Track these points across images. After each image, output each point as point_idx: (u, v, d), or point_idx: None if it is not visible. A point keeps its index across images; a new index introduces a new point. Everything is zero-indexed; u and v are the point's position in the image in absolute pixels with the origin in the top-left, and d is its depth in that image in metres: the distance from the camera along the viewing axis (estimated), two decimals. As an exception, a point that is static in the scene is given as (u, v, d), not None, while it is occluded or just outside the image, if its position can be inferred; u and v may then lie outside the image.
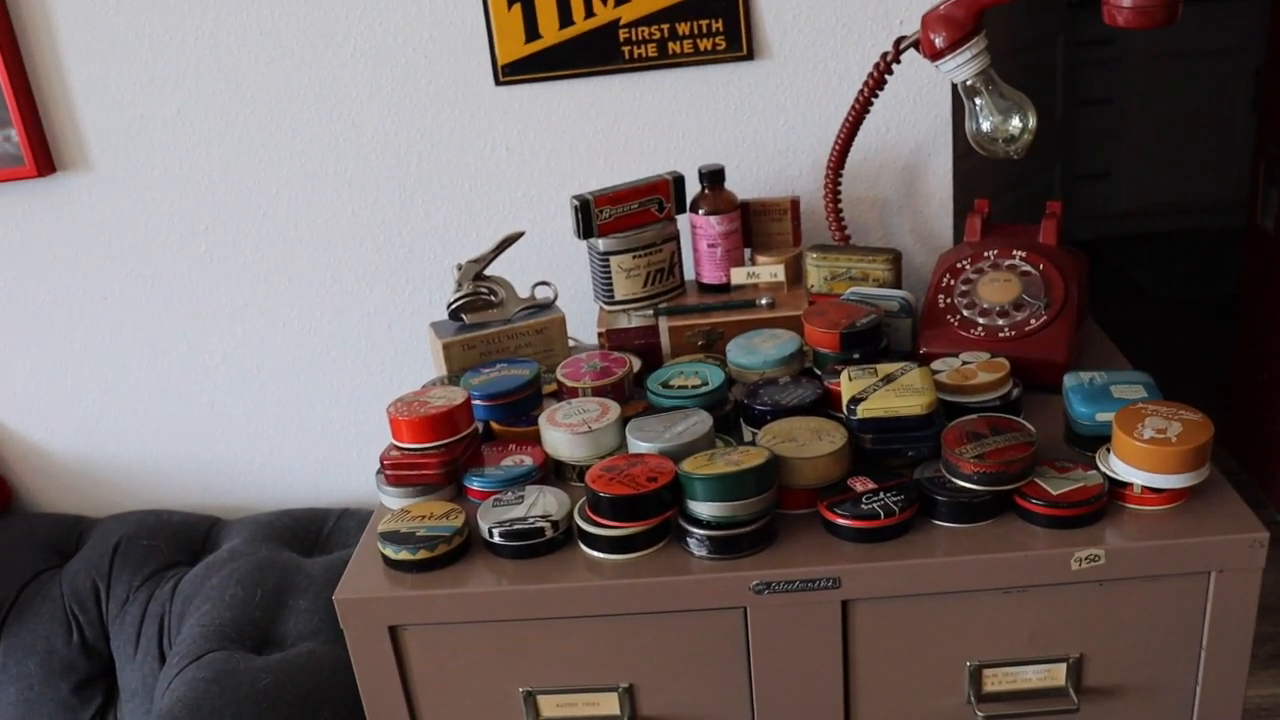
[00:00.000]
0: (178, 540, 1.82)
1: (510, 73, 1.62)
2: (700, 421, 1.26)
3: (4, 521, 1.90)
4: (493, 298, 1.52)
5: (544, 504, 1.22)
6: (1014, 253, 1.47)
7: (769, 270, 1.55)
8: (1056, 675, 1.19)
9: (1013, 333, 1.41)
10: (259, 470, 1.91)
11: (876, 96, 1.51)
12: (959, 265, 1.47)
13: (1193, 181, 4.70)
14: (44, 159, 1.71)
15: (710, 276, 1.58)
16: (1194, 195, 4.72)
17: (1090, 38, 4.32)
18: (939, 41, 1.40)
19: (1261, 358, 3.06)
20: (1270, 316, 2.99)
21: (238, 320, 1.81)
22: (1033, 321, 1.41)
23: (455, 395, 1.32)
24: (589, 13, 1.58)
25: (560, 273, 1.64)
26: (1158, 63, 4.54)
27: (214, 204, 1.73)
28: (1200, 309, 4.32)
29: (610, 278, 1.53)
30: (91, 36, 1.64)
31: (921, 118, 1.62)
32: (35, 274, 1.80)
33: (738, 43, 1.58)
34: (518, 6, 1.58)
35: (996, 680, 1.20)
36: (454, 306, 1.52)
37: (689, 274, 1.61)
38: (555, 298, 1.55)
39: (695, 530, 1.15)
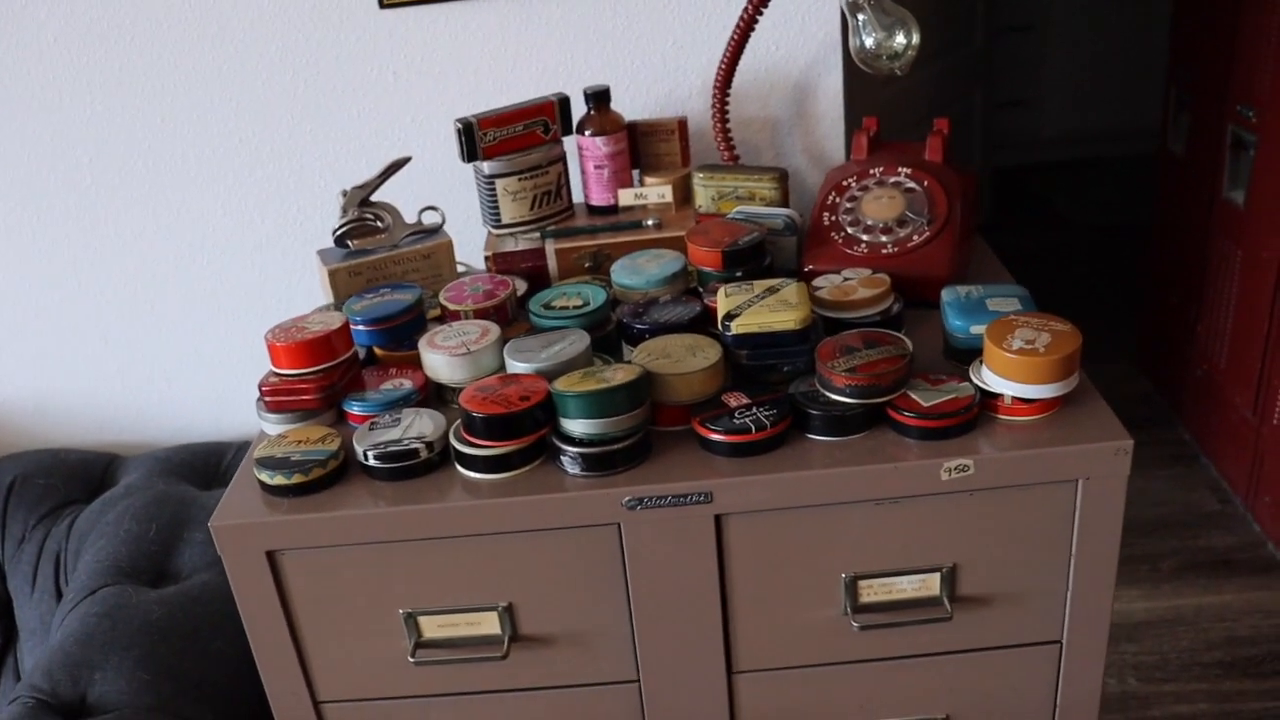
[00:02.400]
0: (75, 479, 1.80)
1: (394, -6, 1.59)
2: (577, 340, 1.26)
3: (-105, 464, 1.87)
4: (379, 224, 1.50)
5: (420, 426, 1.21)
6: (899, 170, 1.47)
7: (656, 191, 1.54)
8: (931, 585, 1.21)
9: (895, 249, 1.41)
10: (157, 406, 1.89)
11: (761, 14, 1.50)
12: (844, 183, 1.47)
13: (1114, 108, 4.73)
14: (-85, 89, 1.66)
15: (598, 198, 1.57)
16: (1115, 122, 4.75)
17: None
18: (819, -44, 1.39)
19: (1172, 280, 3.11)
20: (1180, 239, 3.03)
21: (128, 253, 1.77)
22: (915, 238, 1.41)
23: (333, 320, 1.31)
24: (471, -69, 1.55)
25: (451, 198, 1.62)
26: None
27: (97, 135, 1.69)
28: (1119, 234, 4.37)
29: (496, 201, 1.52)
30: (-41, -39, 1.59)
31: (810, 36, 1.61)
32: (-85, 210, 1.76)
33: (623, -39, 1.56)
34: (398, -75, 1.55)
35: (872, 591, 1.21)
36: (339, 233, 1.50)
37: (578, 197, 1.60)
38: (443, 223, 1.53)
39: (568, 448, 1.16)
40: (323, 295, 1.53)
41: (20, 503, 1.75)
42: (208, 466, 1.79)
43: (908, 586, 1.21)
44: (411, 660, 1.22)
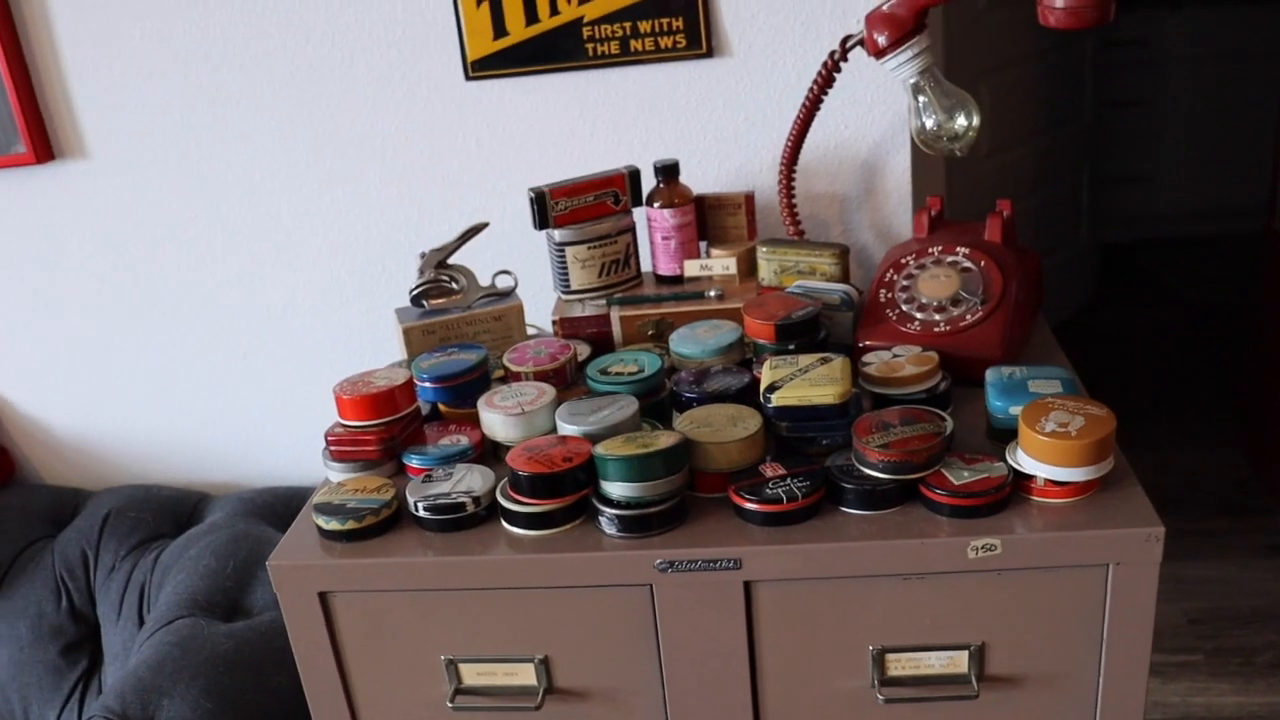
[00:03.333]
0: (165, 514, 1.90)
1: (479, 69, 1.67)
2: (625, 406, 1.31)
3: (6, 492, 1.99)
4: (454, 285, 1.58)
5: (469, 481, 1.27)
6: (957, 249, 1.49)
7: (721, 263, 1.59)
8: (959, 662, 1.22)
9: (948, 327, 1.43)
10: (246, 449, 1.99)
11: (826, 94, 1.54)
12: (903, 260, 1.50)
13: (1228, 184, 4.64)
14: (43, 146, 1.80)
15: (665, 268, 1.62)
16: (1229, 199, 4.65)
17: (1122, 38, 4.28)
18: (882, 40, 1.43)
19: (1277, 363, 3.03)
20: (1286, 322, 2.96)
21: (225, 304, 1.88)
22: (968, 317, 1.43)
23: (398, 376, 1.38)
24: (554, 11, 1.62)
25: (527, 263, 1.69)
26: (1193, 65, 4.49)
27: (203, 192, 1.81)
28: (1229, 314, 4.27)
29: (566, 268, 1.58)
30: (87, 30, 1.73)
31: (879, 116, 1.64)
32: (35, 256, 1.89)
33: (698, 41, 1.62)
34: (485, 4, 1.63)
35: (900, 665, 1.22)
36: (415, 293, 1.57)
37: (646, 266, 1.66)
38: (515, 286, 1.60)
39: (606, 509, 1.20)
40: (399, 351, 1.60)
41: (113, 534, 1.86)
42: (288, 509, 1.88)
43: (936, 662, 1.22)
44: (450, 706, 1.27)
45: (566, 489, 1.21)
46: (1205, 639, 2.67)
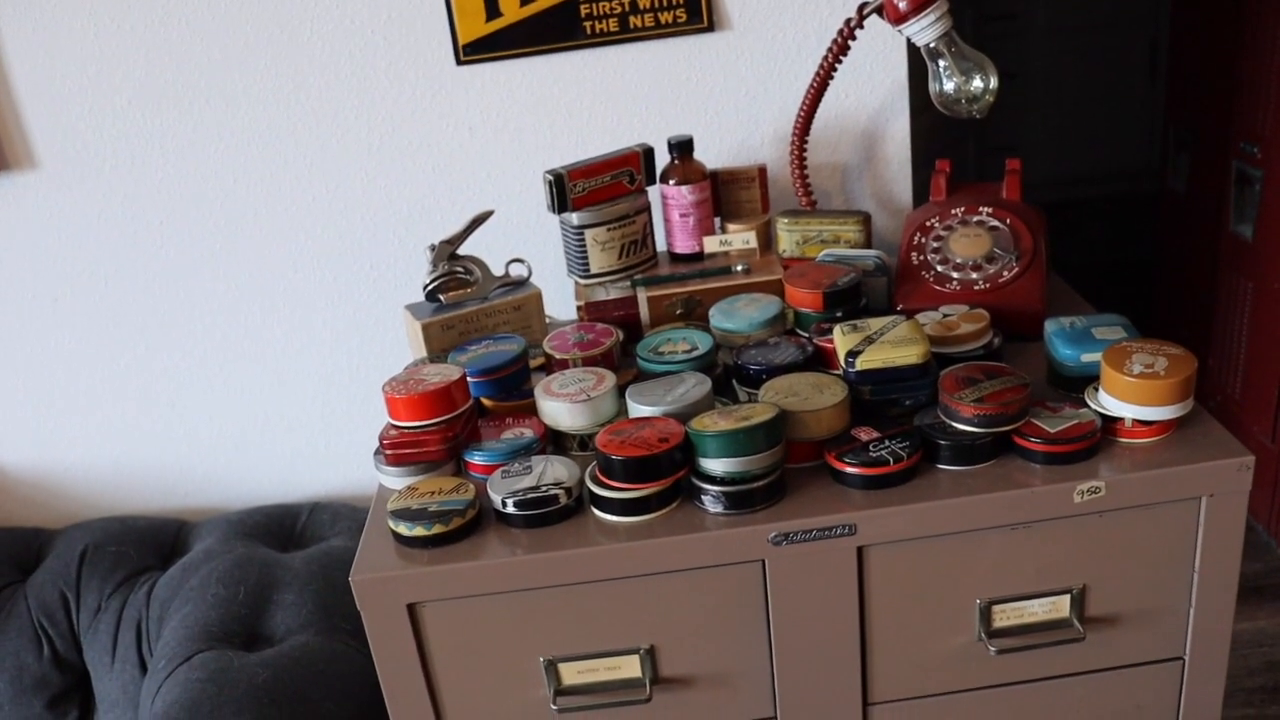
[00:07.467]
0: (146, 545, 1.78)
1: (471, 52, 1.61)
2: (700, 383, 1.28)
3: (-42, 538, 1.84)
4: (468, 277, 1.52)
5: (554, 472, 1.22)
6: (980, 209, 1.51)
7: (741, 237, 1.57)
8: (1060, 607, 1.23)
9: (987, 285, 1.45)
10: (224, 469, 1.87)
11: (840, 62, 1.54)
12: (928, 223, 1.51)
13: (1095, 151, 4.83)
14: (-12, 159, 1.66)
15: (683, 246, 1.60)
16: (1097, 164, 4.85)
17: (995, 13, 4.42)
18: (903, 5, 1.44)
19: (1179, 315, 3.18)
20: (1185, 275, 3.10)
21: (196, 316, 1.77)
22: (1005, 273, 1.45)
23: (451, 372, 1.32)
24: (550, -11, 1.58)
25: (525, 249, 1.63)
26: (1058, 36, 4.66)
27: (168, 197, 1.70)
28: (1112, 274, 4.45)
29: (585, 251, 1.54)
30: (34, 27, 1.60)
31: (879, 83, 1.65)
32: (-19, 279, 1.75)
33: (698, 15, 1.60)
34: (477, -15, 1.58)
35: (1005, 616, 1.23)
36: (430, 287, 1.51)
37: (659, 245, 1.63)
38: (530, 274, 1.55)
39: (709, 487, 1.17)
40: (408, 351, 1.54)
41: (94, 572, 1.73)
42: (282, 529, 1.79)
43: (1039, 610, 1.23)
44: (554, 708, 1.22)
45: (664, 471, 1.17)
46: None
